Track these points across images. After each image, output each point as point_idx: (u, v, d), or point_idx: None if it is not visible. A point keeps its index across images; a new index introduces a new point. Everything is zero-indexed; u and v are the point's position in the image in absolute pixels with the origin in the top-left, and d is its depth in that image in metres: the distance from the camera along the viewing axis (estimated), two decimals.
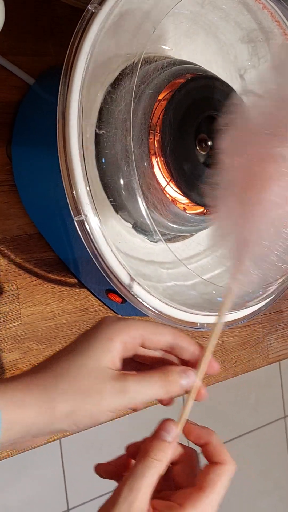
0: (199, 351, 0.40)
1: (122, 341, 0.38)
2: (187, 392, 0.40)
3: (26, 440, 0.36)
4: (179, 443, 0.39)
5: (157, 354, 0.41)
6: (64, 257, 0.60)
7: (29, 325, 0.58)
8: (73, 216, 0.43)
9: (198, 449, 0.41)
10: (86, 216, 0.43)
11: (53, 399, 0.35)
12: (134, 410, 0.41)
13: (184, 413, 0.40)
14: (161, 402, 0.41)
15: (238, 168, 0.42)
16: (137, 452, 0.38)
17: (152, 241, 0.53)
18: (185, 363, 0.41)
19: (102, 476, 0.42)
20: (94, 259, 0.45)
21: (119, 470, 0.41)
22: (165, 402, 0.41)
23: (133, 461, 0.40)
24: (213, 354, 0.41)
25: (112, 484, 0.41)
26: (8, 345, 0.57)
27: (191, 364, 0.41)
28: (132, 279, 0.46)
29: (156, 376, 0.38)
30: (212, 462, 0.39)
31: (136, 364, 0.42)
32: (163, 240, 0.47)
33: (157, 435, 0.38)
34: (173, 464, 0.40)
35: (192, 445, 0.41)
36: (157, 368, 0.39)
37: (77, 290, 0.61)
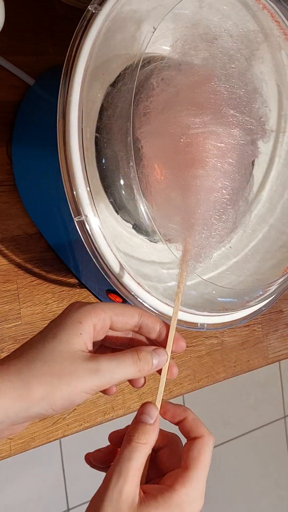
0: (164, 329, 0.41)
1: (91, 323, 0.38)
2: (158, 372, 0.41)
3: (4, 428, 0.36)
4: (161, 429, 0.40)
5: (126, 336, 0.42)
6: (65, 257, 0.60)
7: (29, 325, 0.58)
8: (73, 216, 0.43)
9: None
10: (86, 216, 0.43)
11: (28, 382, 0.35)
12: (107, 393, 0.42)
13: (159, 393, 0.41)
14: (133, 384, 0.42)
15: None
16: (121, 441, 0.39)
17: (152, 241, 0.53)
18: (152, 343, 0.42)
19: (91, 465, 0.42)
20: (94, 260, 0.45)
21: (108, 458, 0.41)
22: (137, 384, 0.42)
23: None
24: (181, 334, 0.42)
25: None
26: (8, 345, 0.57)
27: (159, 343, 0.42)
28: (132, 279, 0.46)
29: (128, 354, 0.39)
30: (191, 439, 0.39)
31: (108, 350, 0.43)
32: (163, 240, 0.47)
33: (139, 418, 0.39)
34: (157, 450, 0.41)
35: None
36: (127, 349, 0.40)
37: (77, 290, 0.62)
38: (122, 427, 0.40)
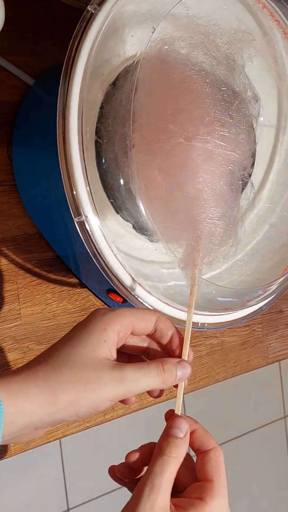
0: (176, 336, 0.42)
1: (116, 330, 0.39)
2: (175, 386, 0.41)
3: (28, 432, 0.36)
4: None
5: (143, 344, 0.43)
6: (65, 257, 0.60)
7: (29, 325, 0.58)
8: (73, 217, 0.43)
9: None
10: (86, 217, 0.43)
11: (55, 388, 0.35)
12: (126, 403, 0.42)
13: (178, 403, 0.41)
14: (151, 394, 0.43)
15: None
16: (150, 453, 0.40)
17: (153, 241, 0.53)
18: (163, 348, 0.43)
19: (115, 478, 0.43)
20: (94, 260, 0.45)
21: (131, 473, 0.42)
22: (154, 394, 0.43)
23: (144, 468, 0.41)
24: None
25: (112, 484, 0.41)
26: (8, 345, 0.57)
27: (168, 349, 0.42)
28: (132, 279, 0.46)
29: (153, 365, 0.39)
30: (203, 451, 0.40)
31: (124, 356, 0.43)
32: (163, 240, 0.47)
33: (169, 432, 0.39)
34: None
35: None
36: (152, 360, 0.40)
37: (77, 290, 0.62)
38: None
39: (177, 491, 0.40)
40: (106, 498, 1.51)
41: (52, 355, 0.37)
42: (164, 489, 0.37)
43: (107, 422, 0.64)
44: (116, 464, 0.43)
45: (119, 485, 0.43)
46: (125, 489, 0.44)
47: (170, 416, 0.41)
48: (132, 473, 0.42)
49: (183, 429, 0.39)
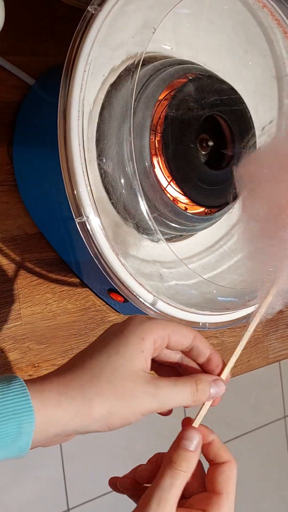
0: (215, 356, 0.41)
1: (153, 340, 0.38)
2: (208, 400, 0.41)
3: (58, 439, 0.36)
4: None
5: (176, 357, 0.42)
6: (66, 257, 0.60)
7: (29, 325, 0.58)
8: (74, 217, 0.43)
9: None
10: (87, 217, 0.43)
11: (90, 400, 0.35)
12: (163, 415, 0.42)
13: (200, 416, 0.40)
14: (160, 413, 0.42)
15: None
16: (158, 466, 0.39)
17: (154, 241, 0.53)
18: (201, 367, 0.42)
19: (116, 490, 0.42)
20: (95, 260, 0.45)
21: (134, 484, 0.42)
22: (165, 413, 0.42)
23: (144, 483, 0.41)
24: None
25: None
26: (8, 345, 0.57)
27: (204, 369, 0.42)
28: (134, 279, 0.46)
29: (187, 383, 0.38)
30: (217, 463, 0.39)
31: (154, 364, 0.42)
32: (163, 240, 0.47)
33: (180, 444, 0.38)
34: None
35: None
36: (186, 376, 0.40)
37: (77, 290, 0.61)
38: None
39: (183, 497, 0.39)
40: (106, 498, 1.51)
41: (87, 361, 0.36)
42: (170, 505, 0.36)
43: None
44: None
45: None
46: None
47: (187, 424, 0.40)
48: (136, 485, 0.42)
49: (194, 442, 0.38)
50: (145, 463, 0.42)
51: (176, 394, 0.38)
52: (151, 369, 0.40)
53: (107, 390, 0.35)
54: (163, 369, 0.43)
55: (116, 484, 0.42)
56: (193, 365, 0.42)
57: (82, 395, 0.35)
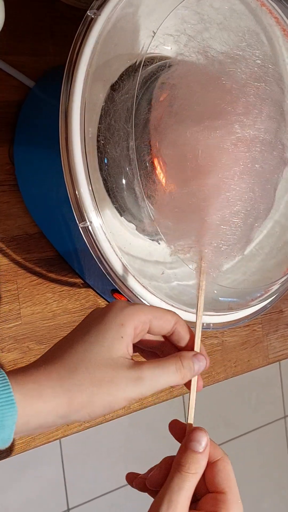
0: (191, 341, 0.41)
1: (133, 325, 0.38)
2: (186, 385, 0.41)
3: (39, 431, 0.36)
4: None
5: (158, 339, 0.42)
6: (68, 257, 0.60)
7: (29, 325, 0.58)
8: (78, 222, 0.43)
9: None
10: (91, 222, 0.43)
11: (69, 390, 0.35)
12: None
13: (191, 408, 0.40)
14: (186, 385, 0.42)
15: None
16: (169, 466, 0.39)
17: (156, 242, 0.53)
18: (180, 350, 0.42)
19: (133, 487, 0.42)
20: (99, 264, 0.45)
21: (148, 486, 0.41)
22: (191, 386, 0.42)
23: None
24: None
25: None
26: (8, 345, 0.57)
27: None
28: (137, 282, 0.47)
29: (171, 361, 0.38)
30: (210, 462, 0.39)
31: (135, 349, 0.42)
32: (165, 241, 0.47)
33: (188, 446, 0.38)
34: None
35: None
36: (169, 355, 0.40)
37: (77, 289, 0.61)
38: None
39: (195, 499, 0.39)
40: (106, 498, 1.51)
41: (67, 351, 0.36)
42: (181, 507, 0.36)
43: (107, 422, 0.64)
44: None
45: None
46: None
47: (174, 426, 0.40)
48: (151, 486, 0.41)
49: (202, 443, 0.38)
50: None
51: (161, 373, 0.37)
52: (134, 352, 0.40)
53: (85, 379, 0.35)
54: (145, 354, 0.43)
55: (132, 481, 0.42)
56: (174, 349, 0.42)
57: (61, 386, 0.35)
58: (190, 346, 0.41)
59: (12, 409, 0.33)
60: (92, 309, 0.62)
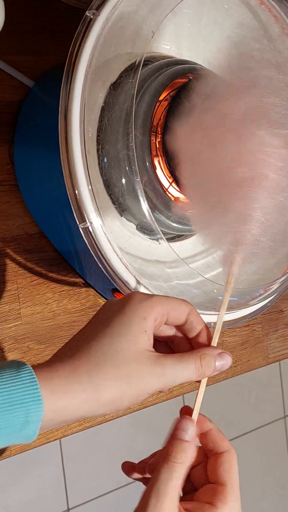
0: (205, 332, 0.41)
1: (154, 318, 0.38)
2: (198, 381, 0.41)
3: (63, 425, 0.36)
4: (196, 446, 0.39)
5: (171, 332, 0.42)
6: (69, 257, 0.60)
7: (29, 325, 0.58)
8: (78, 223, 0.43)
9: None
10: (91, 223, 0.43)
11: (98, 385, 0.35)
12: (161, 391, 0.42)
13: (197, 403, 0.40)
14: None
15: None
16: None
17: (156, 241, 0.53)
18: (190, 340, 0.42)
19: (130, 475, 0.42)
20: (100, 264, 0.45)
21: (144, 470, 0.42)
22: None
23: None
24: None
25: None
26: (8, 345, 0.57)
27: (194, 342, 0.42)
28: (138, 282, 0.47)
29: (192, 359, 0.39)
30: (216, 452, 0.39)
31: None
32: (165, 240, 0.47)
33: (175, 434, 0.38)
34: (193, 467, 0.40)
35: None
36: (190, 352, 0.40)
37: (77, 289, 0.61)
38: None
39: (194, 488, 0.39)
40: (106, 498, 1.51)
41: (91, 345, 0.36)
42: (170, 498, 0.35)
43: (107, 422, 0.64)
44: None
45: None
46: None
47: (184, 413, 0.40)
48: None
49: (189, 432, 0.38)
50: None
51: (181, 371, 0.38)
52: None
53: (113, 374, 0.35)
54: (157, 344, 0.42)
55: (129, 470, 0.42)
56: (184, 340, 0.42)
57: (90, 381, 0.35)
58: (200, 342, 0.41)
59: (39, 405, 0.33)
60: (92, 309, 0.62)
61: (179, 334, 0.42)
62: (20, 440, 0.33)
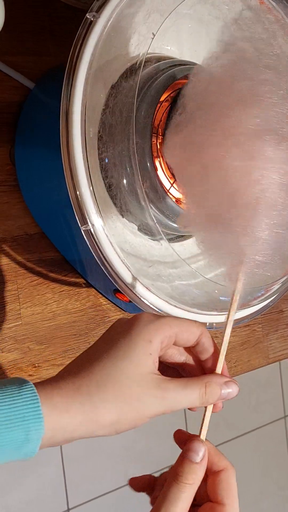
0: (215, 357, 0.41)
1: (160, 341, 0.38)
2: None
3: (64, 442, 0.36)
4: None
5: (180, 357, 0.41)
6: (70, 257, 0.60)
7: (29, 325, 0.58)
8: (80, 226, 0.43)
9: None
10: (93, 225, 0.43)
11: (97, 407, 0.35)
12: (193, 410, 0.41)
13: (204, 425, 0.40)
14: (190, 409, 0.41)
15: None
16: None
17: (157, 241, 0.53)
18: (200, 362, 0.42)
19: (135, 490, 0.42)
20: (101, 266, 0.45)
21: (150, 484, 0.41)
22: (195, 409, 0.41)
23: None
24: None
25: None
26: (8, 345, 0.57)
27: (205, 367, 0.41)
28: (140, 283, 0.46)
29: (196, 386, 0.38)
30: (214, 471, 0.39)
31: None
32: (166, 241, 0.47)
33: (185, 455, 0.38)
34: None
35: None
36: (196, 378, 0.39)
37: (77, 290, 0.61)
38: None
39: (195, 504, 0.39)
40: (106, 498, 1.51)
41: (94, 366, 0.36)
42: None
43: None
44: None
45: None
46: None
47: (180, 436, 0.40)
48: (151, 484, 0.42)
49: (200, 454, 0.38)
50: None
51: (184, 397, 0.37)
52: None
53: (114, 396, 0.35)
54: (168, 369, 0.42)
55: (135, 484, 0.42)
56: (194, 363, 0.42)
57: (90, 402, 0.34)
58: (213, 361, 0.41)
59: (39, 423, 0.33)
60: (92, 310, 0.62)
61: (190, 361, 0.42)
62: (19, 457, 0.33)
